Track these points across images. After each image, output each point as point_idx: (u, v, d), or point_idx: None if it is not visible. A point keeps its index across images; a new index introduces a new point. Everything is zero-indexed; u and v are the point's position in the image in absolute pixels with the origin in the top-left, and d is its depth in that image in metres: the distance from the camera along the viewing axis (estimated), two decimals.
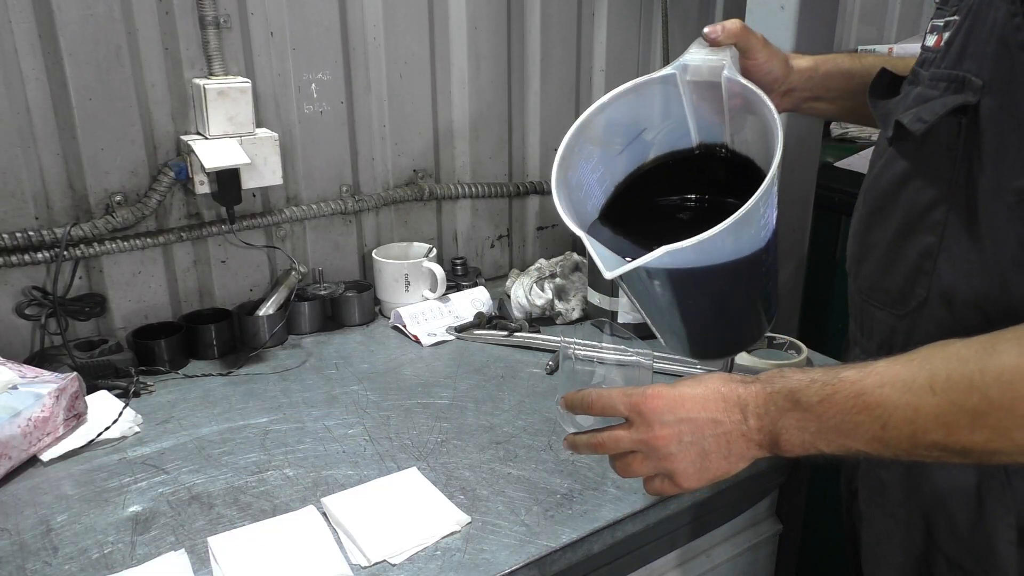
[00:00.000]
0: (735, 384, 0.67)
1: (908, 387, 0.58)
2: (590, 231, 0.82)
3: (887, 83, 0.80)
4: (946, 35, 0.69)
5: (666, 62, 1.76)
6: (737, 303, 0.83)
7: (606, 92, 0.82)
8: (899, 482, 0.71)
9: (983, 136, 0.63)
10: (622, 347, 0.84)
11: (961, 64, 0.66)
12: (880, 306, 0.78)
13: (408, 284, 1.43)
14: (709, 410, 0.67)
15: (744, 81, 0.79)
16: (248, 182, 1.26)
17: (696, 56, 0.81)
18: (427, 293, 1.44)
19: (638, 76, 0.84)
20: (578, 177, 0.83)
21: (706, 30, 0.80)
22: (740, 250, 0.74)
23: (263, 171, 1.27)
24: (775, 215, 0.79)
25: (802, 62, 0.92)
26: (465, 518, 0.89)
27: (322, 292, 1.42)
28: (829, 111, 0.98)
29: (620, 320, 1.35)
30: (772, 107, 0.73)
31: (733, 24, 0.80)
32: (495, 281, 1.62)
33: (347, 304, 1.43)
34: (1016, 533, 0.63)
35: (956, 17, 0.68)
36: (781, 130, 0.70)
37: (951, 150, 0.66)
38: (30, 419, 0.99)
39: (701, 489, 0.72)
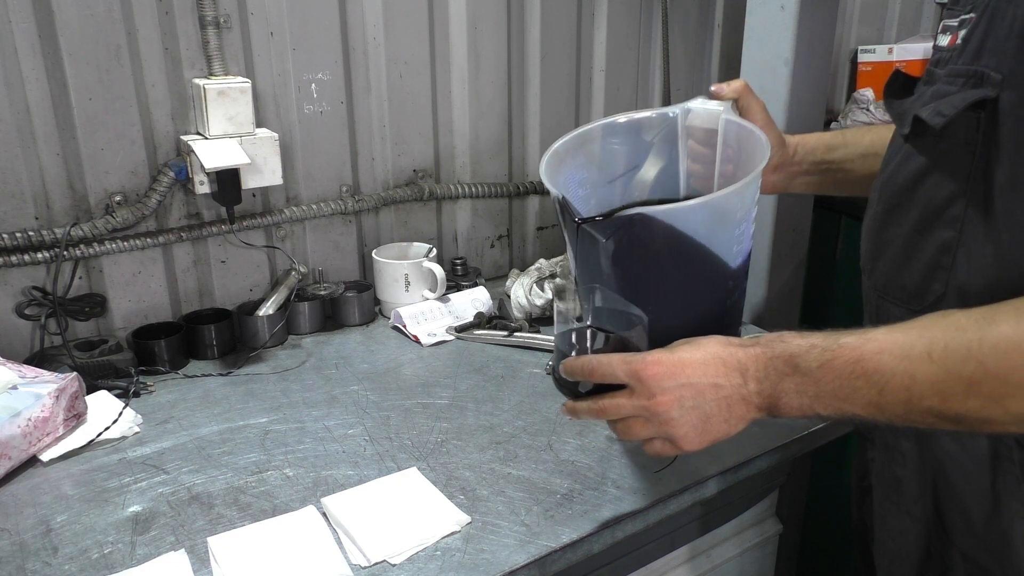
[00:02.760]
0: (734, 348, 0.68)
1: (906, 354, 0.59)
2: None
3: (901, 84, 0.80)
4: (962, 33, 0.70)
5: (666, 62, 1.76)
6: (693, 304, 0.84)
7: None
8: (915, 479, 0.71)
9: (1001, 130, 0.64)
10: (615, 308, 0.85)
11: (979, 60, 0.66)
12: (896, 302, 0.77)
13: (408, 284, 1.43)
14: (710, 375, 0.68)
15: (741, 120, 0.85)
16: (248, 182, 1.26)
17: (698, 103, 0.89)
18: (427, 293, 1.44)
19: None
20: (565, 179, 0.84)
21: (712, 87, 0.87)
22: (711, 241, 0.77)
23: (263, 171, 1.27)
24: (751, 236, 0.81)
25: (792, 139, 0.97)
26: (465, 518, 0.89)
27: (322, 292, 1.42)
28: (816, 184, 1.01)
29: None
30: (766, 140, 0.78)
31: (737, 82, 0.88)
32: (495, 281, 1.62)
33: (347, 304, 1.43)
34: None
35: (972, 15, 0.69)
36: (765, 163, 0.77)
37: (969, 145, 0.66)
38: (30, 419, 0.99)
39: (700, 449, 0.72)
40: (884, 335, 0.62)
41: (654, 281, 0.78)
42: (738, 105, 0.89)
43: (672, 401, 0.68)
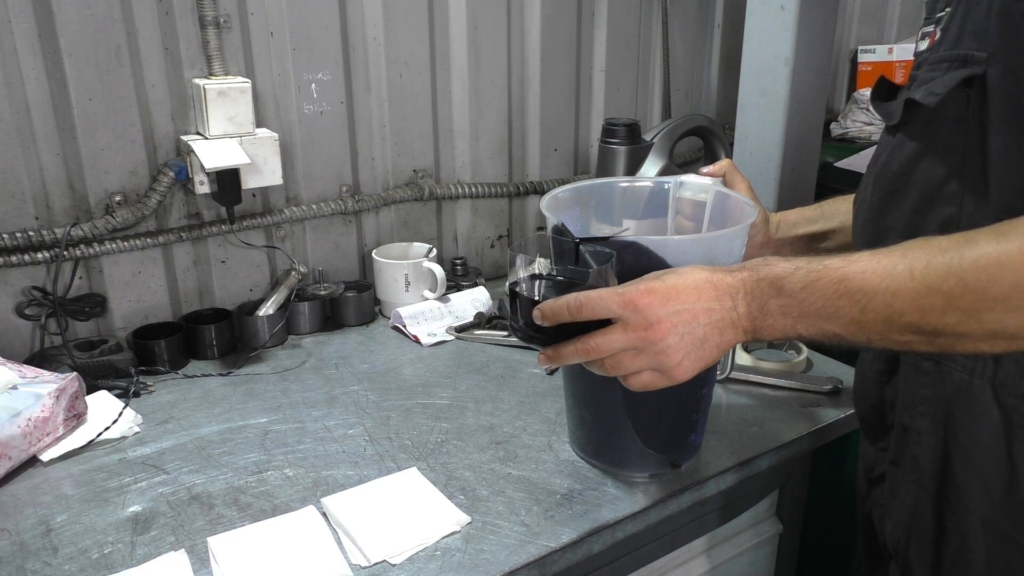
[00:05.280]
0: (722, 273, 0.70)
1: (889, 273, 0.61)
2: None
3: (886, 90, 0.84)
4: (939, 29, 0.73)
5: (666, 62, 1.76)
6: None
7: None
8: (930, 455, 0.72)
9: (991, 103, 0.67)
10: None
11: (961, 44, 0.69)
12: None
13: (408, 284, 1.43)
14: (703, 299, 0.69)
15: (728, 191, 0.95)
16: (248, 182, 1.26)
17: (691, 177, 0.98)
18: (427, 293, 1.44)
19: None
20: (561, 218, 0.89)
21: (703, 169, 0.98)
22: None
23: (263, 171, 1.27)
24: None
25: (774, 216, 1.02)
26: (465, 518, 0.89)
27: (322, 292, 1.42)
28: (801, 254, 1.06)
29: None
30: (752, 206, 0.88)
31: (723, 161, 0.99)
32: (495, 281, 1.62)
33: (347, 304, 1.43)
34: None
35: (948, 10, 0.72)
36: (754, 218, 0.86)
37: (961, 123, 0.69)
38: (30, 419, 0.99)
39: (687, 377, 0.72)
40: (868, 257, 0.64)
41: None
42: (725, 181, 0.98)
43: (669, 328, 0.68)
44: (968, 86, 0.68)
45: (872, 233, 0.81)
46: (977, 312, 0.59)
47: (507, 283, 0.78)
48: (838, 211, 1.00)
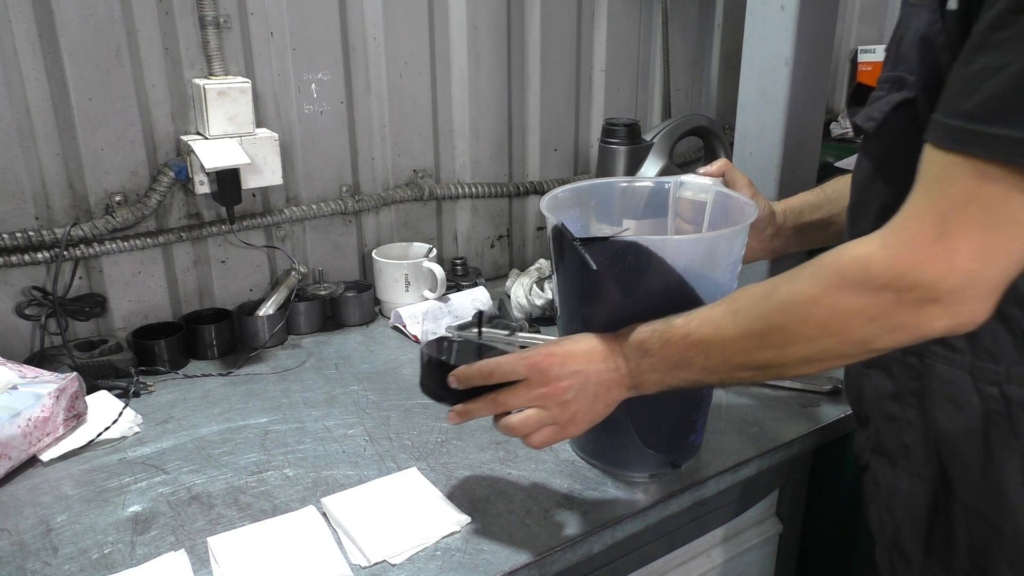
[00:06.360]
0: (607, 339, 0.81)
1: (718, 324, 0.73)
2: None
3: (863, 96, 0.86)
4: (886, 48, 0.77)
5: (666, 62, 1.76)
6: None
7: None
8: (921, 443, 0.74)
9: (922, 125, 0.69)
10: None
11: (899, 66, 0.72)
12: None
13: (408, 284, 1.43)
14: (594, 362, 0.79)
15: (729, 191, 0.95)
16: (248, 182, 1.26)
17: (690, 177, 0.99)
18: (427, 293, 1.44)
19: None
20: (561, 218, 0.90)
21: (700, 170, 0.99)
22: (697, 283, 0.84)
23: (263, 171, 1.27)
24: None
25: (780, 205, 1.04)
26: (465, 518, 0.89)
27: (322, 292, 1.42)
28: (811, 241, 1.08)
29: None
30: (753, 205, 0.89)
31: (720, 160, 1.00)
32: (495, 281, 1.62)
33: (347, 304, 1.43)
34: (1023, 475, 0.67)
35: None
36: (754, 218, 0.87)
37: (906, 140, 0.71)
38: (30, 419, 0.99)
39: (581, 434, 0.82)
40: (705, 311, 0.75)
41: (636, 309, 0.82)
42: (725, 180, 0.99)
43: (567, 387, 0.78)
44: (906, 107, 0.70)
45: (850, 237, 0.84)
46: (785, 346, 0.68)
47: (421, 348, 0.89)
48: (841, 193, 1.01)
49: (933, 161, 0.60)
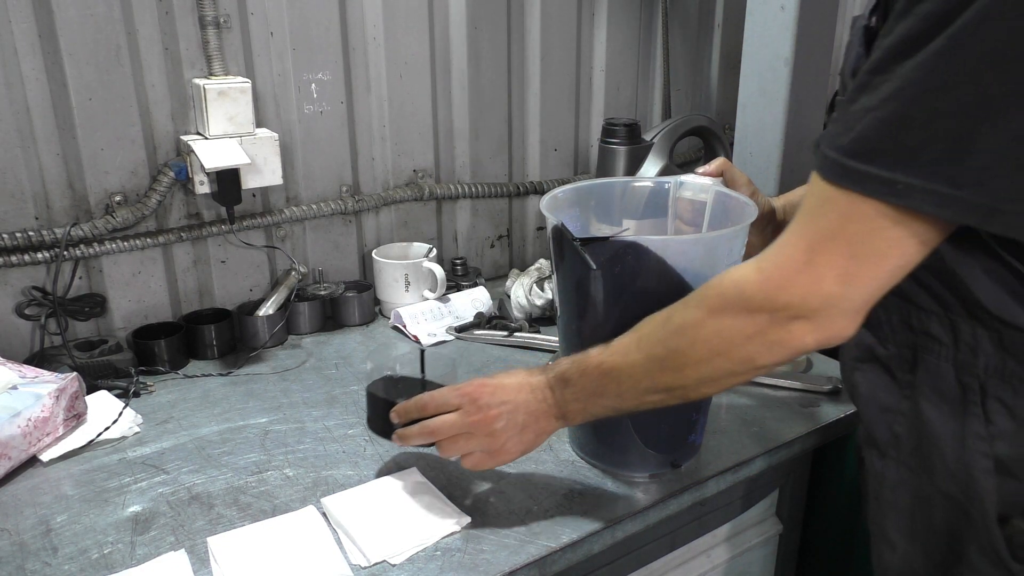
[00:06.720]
0: (535, 372, 0.86)
1: (626, 352, 0.77)
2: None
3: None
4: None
5: (666, 62, 1.76)
6: None
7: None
8: (909, 434, 0.77)
9: None
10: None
11: (845, 89, 0.73)
12: None
13: (408, 284, 1.43)
14: (523, 393, 0.84)
15: (729, 191, 0.95)
16: (248, 182, 1.26)
17: (690, 177, 0.99)
18: (427, 293, 1.44)
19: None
20: (561, 218, 0.90)
21: (699, 169, 1.00)
22: (696, 283, 0.82)
23: (263, 171, 1.27)
24: None
25: (779, 200, 1.05)
26: (465, 518, 0.89)
27: (322, 292, 1.42)
28: None
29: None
30: (753, 205, 0.90)
31: (718, 159, 1.00)
32: (495, 281, 1.62)
33: (347, 304, 1.43)
34: (992, 463, 0.70)
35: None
36: (754, 218, 0.88)
37: None
38: (30, 419, 0.99)
39: (512, 461, 0.87)
40: (616, 341, 0.79)
41: (636, 310, 0.82)
42: (724, 179, 0.99)
43: (496, 416, 0.83)
44: None
45: None
46: (682, 368, 0.73)
47: (366, 387, 0.97)
48: None
49: (813, 191, 0.64)
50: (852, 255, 0.62)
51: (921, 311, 0.72)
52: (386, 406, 0.91)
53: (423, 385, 0.97)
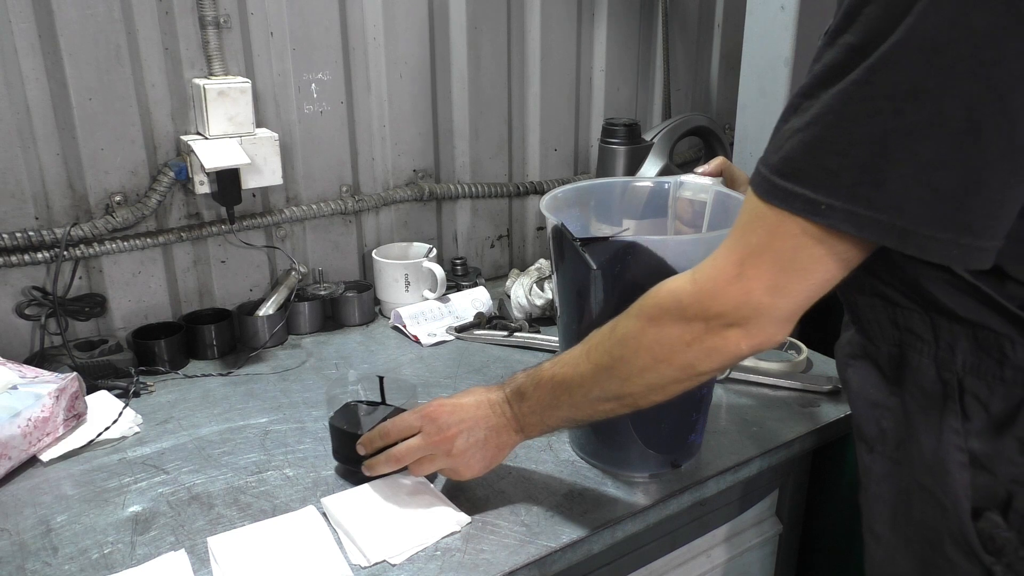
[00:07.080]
0: (493, 389, 0.88)
1: (576, 363, 0.79)
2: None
3: None
4: None
5: (666, 62, 1.76)
6: None
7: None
8: (895, 429, 0.78)
9: None
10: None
11: None
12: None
13: (408, 284, 1.43)
14: (481, 410, 0.87)
15: (729, 191, 0.96)
16: (248, 182, 1.26)
17: (690, 177, 1.00)
18: (427, 293, 1.44)
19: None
20: (561, 219, 0.90)
21: (698, 169, 1.01)
22: None
23: (263, 171, 1.27)
24: None
25: None
26: (465, 518, 0.89)
27: (322, 292, 1.42)
28: None
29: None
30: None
31: (717, 159, 1.01)
32: (495, 281, 1.62)
33: (347, 304, 1.43)
34: (967, 456, 0.71)
35: None
36: None
37: None
38: (30, 419, 0.99)
39: (479, 477, 0.89)
40: (567, 354, 0.81)
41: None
42: (724, 178, 1.00)
43: (456, 433, 0.86)
44: None
45: None
46: (628, 377, 0.75)
47: (329, 419, 0.98)
48: None
49: (747, 207, 0.67)
50: (780, 268, 0.64)
51: (904, 310, 0.74)
52: (351, 438, 0.93)
53: (388, 412, 0.98)
